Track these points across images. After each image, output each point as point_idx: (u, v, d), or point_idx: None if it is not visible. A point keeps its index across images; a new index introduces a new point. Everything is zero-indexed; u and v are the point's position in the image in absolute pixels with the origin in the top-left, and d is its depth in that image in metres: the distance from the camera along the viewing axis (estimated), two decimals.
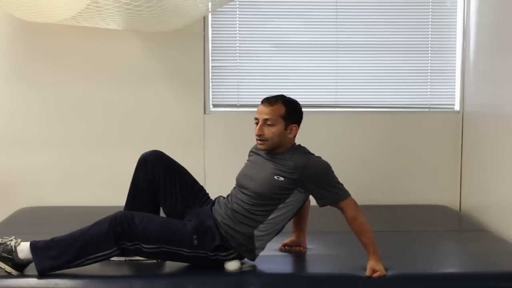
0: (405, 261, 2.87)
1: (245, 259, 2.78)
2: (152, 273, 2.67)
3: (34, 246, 2.59)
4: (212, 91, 4.25)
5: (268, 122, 2.73)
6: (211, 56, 4.21)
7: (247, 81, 4.28)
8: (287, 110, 2.76)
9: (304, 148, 2.84)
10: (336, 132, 4.24)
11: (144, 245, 2.64)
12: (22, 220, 3.69)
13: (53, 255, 2.58)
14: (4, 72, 4.10)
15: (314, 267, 2.91)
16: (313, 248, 3.05)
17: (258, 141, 2.78)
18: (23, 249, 2.59)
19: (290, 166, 2.71)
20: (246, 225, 2.72)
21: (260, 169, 2.78)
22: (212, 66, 4.22)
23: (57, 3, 3.29)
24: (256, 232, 2.73)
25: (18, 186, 4.13)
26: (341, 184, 2.74)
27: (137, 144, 4.12)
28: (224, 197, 2.91)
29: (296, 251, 3.00)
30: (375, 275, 2.64)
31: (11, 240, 2.62)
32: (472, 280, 2.71)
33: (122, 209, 2.90)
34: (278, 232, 2.83)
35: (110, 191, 4.08)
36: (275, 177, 2.71)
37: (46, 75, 4.11)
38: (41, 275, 2.57)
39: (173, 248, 2.67)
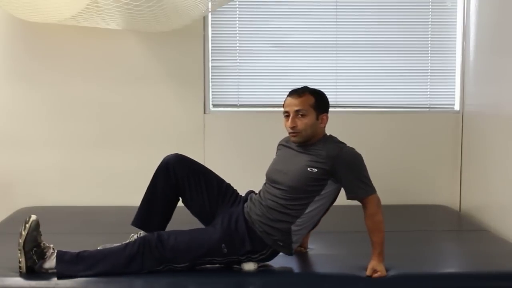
0: (405, 261, 2.87)
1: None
2: (152, 273, 2.67)
3: (60, 259, 2.60)
4: (212, 91, 4.24)
5: (300, 113, 2.73)
6: (211, 56, 4.21)
7: (247, 81, 4.27)
8: (316, 100, 2.76)
9: (336, 138, 2.83)
10: (336, 132, 4.17)
11: (176, 265, 2.65)
12: (22, 220, 3.65)
13: (78, 270, 2.59)
14: (4, 72, 4.10)
15: (314, 267, 2.91)
16: (313, 248, 3.04)
17: (291, 134, 2.76)
18: (51, 260, 2.61)
19: (323, 155, 2.69)
20: (283, 222, 2.70)
21: (292, 162, 2.76)
22: (212, 66, 4.22)
23: (57, 3, 3.29)
24: (293, 227, 2.71)
25: (18, 186, 4.12)
26: (370, 180, 2.73)
27: (137, 144, 4.14)
28: (255, 193, 2.88)
29: (296, 251, 2.98)
30: (376, 275, 2.63)
31: (50, 248, 2.63)
32: (472, 280, 2.72)
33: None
34: (315, 225, 2.82)
35: (110, 191, 4.09)
36: (308, 169, 2.69)
37: (46, 75, 4.11)
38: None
39: (205, 259, 2.68)
